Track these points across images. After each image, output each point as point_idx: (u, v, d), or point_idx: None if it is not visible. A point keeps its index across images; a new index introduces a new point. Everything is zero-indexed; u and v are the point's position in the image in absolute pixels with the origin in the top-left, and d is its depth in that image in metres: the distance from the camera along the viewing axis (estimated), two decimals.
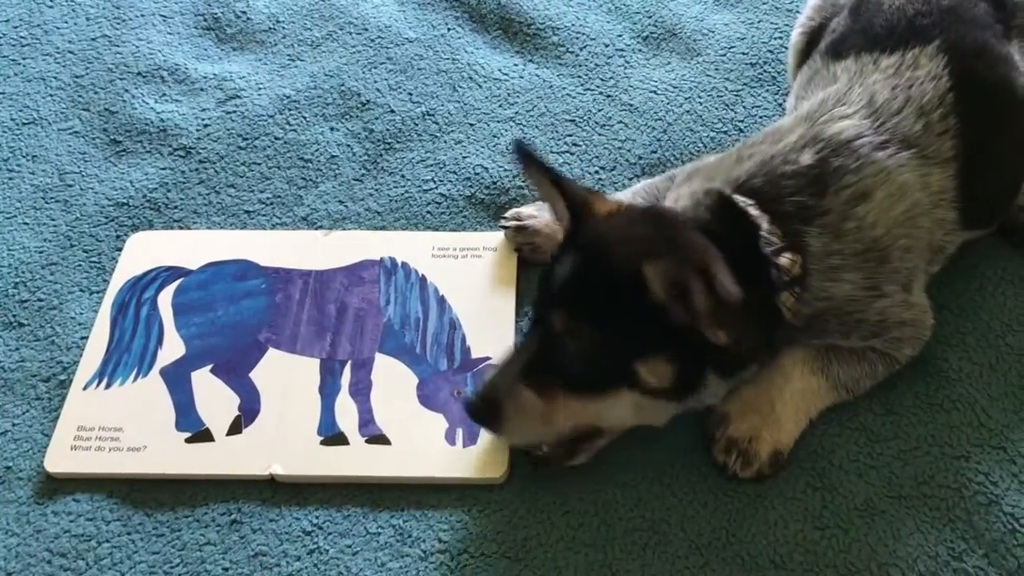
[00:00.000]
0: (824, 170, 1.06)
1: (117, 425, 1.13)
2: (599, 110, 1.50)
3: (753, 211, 1.03)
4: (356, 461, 1.11)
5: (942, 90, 1.12)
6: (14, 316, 1.26)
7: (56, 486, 1.10)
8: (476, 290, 1.26)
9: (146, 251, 1.31)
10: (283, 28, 1.63)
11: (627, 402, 1.02)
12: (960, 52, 1.14)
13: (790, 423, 1.10)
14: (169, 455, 1.11)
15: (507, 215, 1.31)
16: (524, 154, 1.04)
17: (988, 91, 1.15)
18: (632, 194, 1.28)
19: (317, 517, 1.07)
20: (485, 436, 1.11)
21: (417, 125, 1.48)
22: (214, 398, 1.16)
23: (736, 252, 0.97)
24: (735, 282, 0.90)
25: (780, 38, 1.58)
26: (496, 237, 1.32)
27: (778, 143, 1.10)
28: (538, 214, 1.28)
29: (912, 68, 1.14)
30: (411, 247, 1.31)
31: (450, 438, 1.12)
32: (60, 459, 1.11)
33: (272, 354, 1.20)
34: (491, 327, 1.21)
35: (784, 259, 1.02)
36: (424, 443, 1.12)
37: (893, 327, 1.10)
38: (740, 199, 1.04)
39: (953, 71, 1.13)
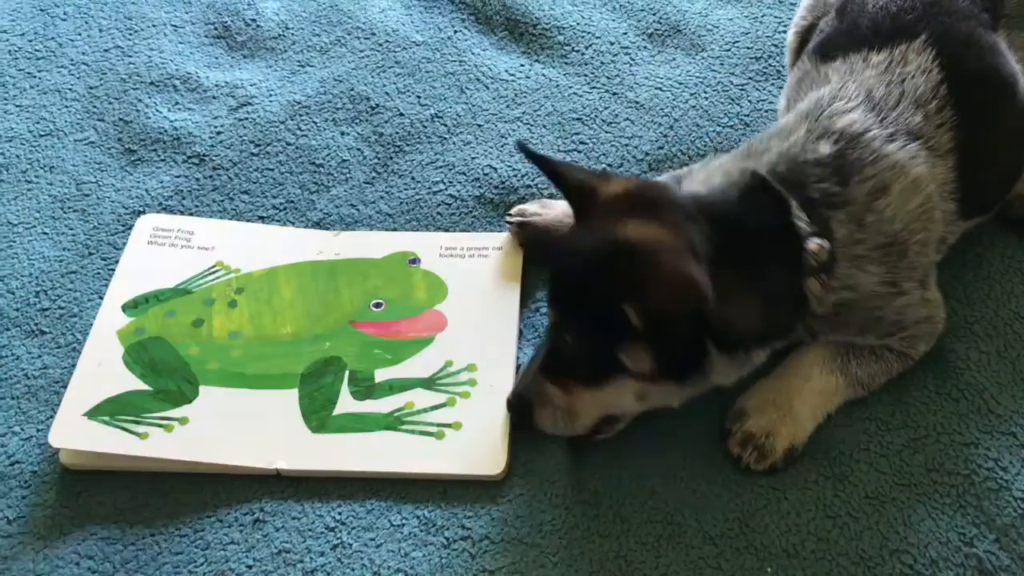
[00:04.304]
0: (844, 161, 1.07)
1: None
2: (605, 108, 1.51)
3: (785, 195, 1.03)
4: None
5: (934, 83, 1.12)
6: (36, 324, 1.28)
7: (80, 489, 1.12)
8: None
9: None
10: (292, 35, 1.65)
11: (629, 390, 1.03)
12: (948, 44, 1.14)
13: (807, 420, 1.11)
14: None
15: (511, 212, 1.32)
16: (524, 149, 1.08)
17: (978, 81, 1.16)
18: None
19: (340, 513, 1.09)
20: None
21: (426, 127, 1.50)
22: None
23: (758, 233, 1.00)
24: (703, 271, 0.93)
25: (784, 32, 1.57)
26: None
27: (788, 139, 1.10)
28: (542, 211, 1.30)
29: (901, 64, 1.14)
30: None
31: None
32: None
33: None
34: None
35: (813, 244, 1.02)
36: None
37: (911, 325, 1.11)
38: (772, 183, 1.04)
39: (942, 63, 1.13)
